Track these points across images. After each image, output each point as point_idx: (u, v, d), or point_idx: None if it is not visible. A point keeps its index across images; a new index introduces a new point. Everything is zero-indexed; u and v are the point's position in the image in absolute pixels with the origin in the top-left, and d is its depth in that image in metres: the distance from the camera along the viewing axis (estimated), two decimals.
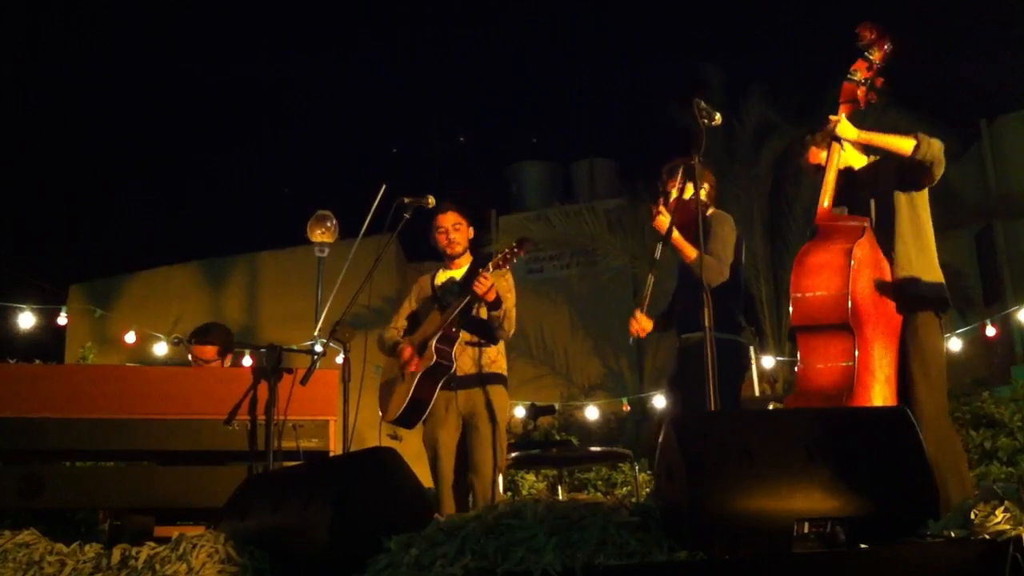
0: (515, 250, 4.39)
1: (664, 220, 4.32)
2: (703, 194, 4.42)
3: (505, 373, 4.60)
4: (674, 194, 4.48)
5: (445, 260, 4.73)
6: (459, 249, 4.68)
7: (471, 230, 4.76)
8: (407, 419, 4.43)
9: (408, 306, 4.77)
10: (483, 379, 4.48)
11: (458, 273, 4.70)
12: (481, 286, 4.33)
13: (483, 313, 4.47)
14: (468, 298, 4.36)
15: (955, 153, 10.19)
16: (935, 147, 3.79)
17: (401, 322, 4.74)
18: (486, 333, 4.53)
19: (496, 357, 4.57)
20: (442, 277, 4.74)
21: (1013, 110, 11.58)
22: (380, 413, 4.54)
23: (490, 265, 4.39)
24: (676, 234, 4.29)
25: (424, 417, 4.41)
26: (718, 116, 3.89)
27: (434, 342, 4.39)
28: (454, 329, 4.43)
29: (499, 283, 4.52)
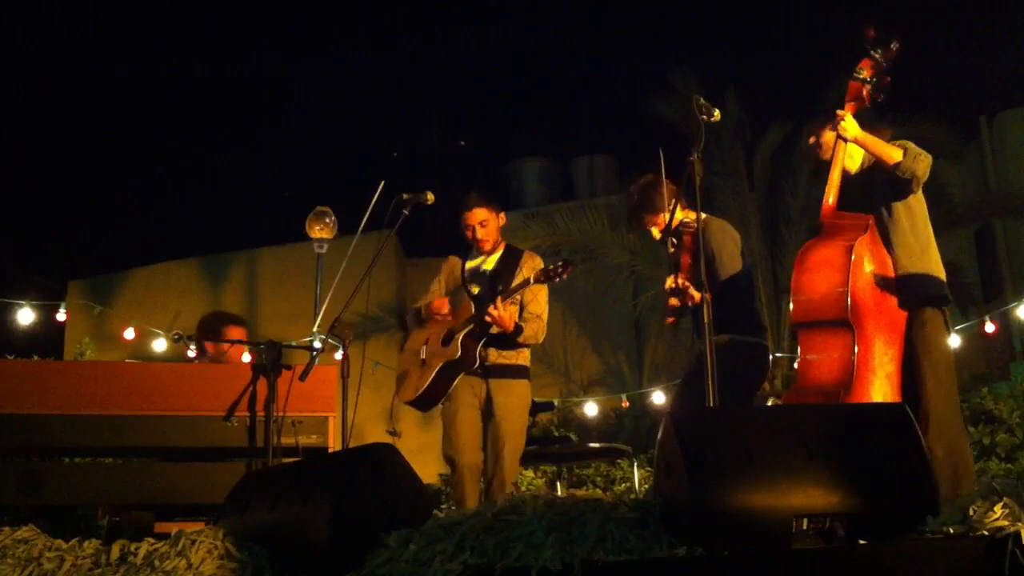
0: (559, 269, 4.31)
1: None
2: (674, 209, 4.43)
3: (528, 365, 4.61)
4: (658, 229, 4.47)
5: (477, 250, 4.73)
6: (489, 245, 4.68)
7: (502, 217, 4.76)
8: (422, 403, 4.50)
9: (438, 287, 4.78)
10: (507, 371, 4.50)
11: (491, 261, 4.69)
12: (492, 318, 4.34)
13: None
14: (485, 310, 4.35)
15: (955, 150, 10.22)
16: (919, 165, 3.79)
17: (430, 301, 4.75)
18: (509, 337, 4.50)
19: (522, 349, 4.57)
20: (473, 262, 4.73)
21: (1013, 107, 11.58)
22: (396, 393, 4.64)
23: (511, 291, 4.38)
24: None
25: (442, 401, 4.47)
26: (717, 113, 3.89)
27: (461, 336, 4.41)
28: (480, 329, 4.43)
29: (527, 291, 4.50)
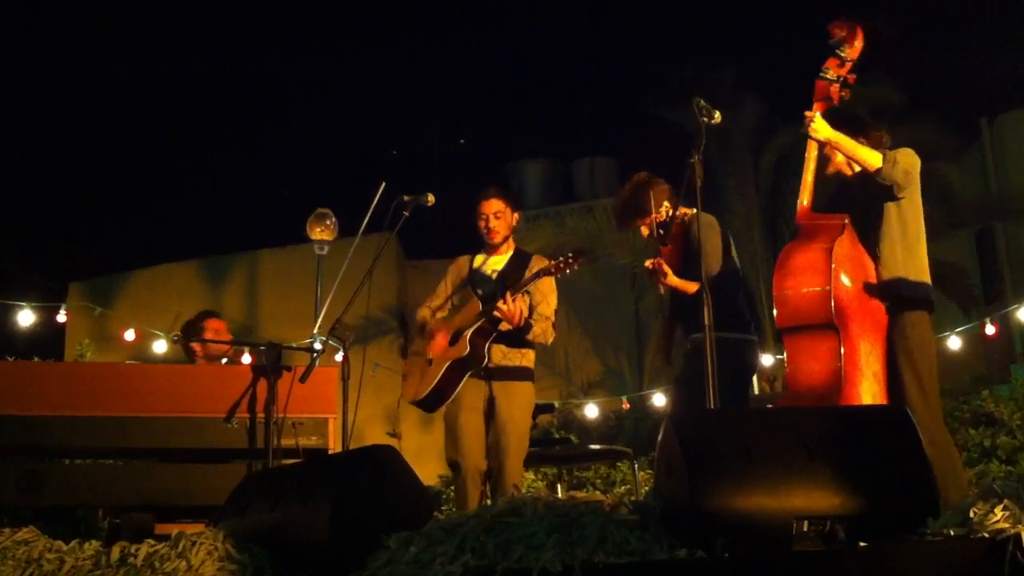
0: (569, 261, 4.30)
1: (673, 281, 4.33)
2: (664, 212, 4.49)
3: (532, 367, 4.58)
4: (647, 228, 4.54)
5: (486, 247, 4.69)
6: (499, 238, 4.63)
7: (515, 217, 4.71)
8: (429, 403, 4.46)
9: (444, 288, 4.74)
10: (511, 373, 4.47)
11: (498, 261, 4.65)
12: (501, 313, 4.29)
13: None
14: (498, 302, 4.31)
15: (955, 152, 10.22)
16: (897, 171, 3.76)
17: (436, 302, 4.72)
18: (518, 334, 4.47)
19: (527, 351, 4.54)
20: (480, 261, 4.70)
21: (1014, 108, 11.57)
22: (402, 394, 4.58)
23: (522, 283, 4.34)
24: (675, 280, 4.34)
25: (448, 402, 4.43)
26: (718, 114, 3.89)
27: (469, 334, 4.38)
28: (489, 325, 4.40)
29: (540, 286, 4.47)
